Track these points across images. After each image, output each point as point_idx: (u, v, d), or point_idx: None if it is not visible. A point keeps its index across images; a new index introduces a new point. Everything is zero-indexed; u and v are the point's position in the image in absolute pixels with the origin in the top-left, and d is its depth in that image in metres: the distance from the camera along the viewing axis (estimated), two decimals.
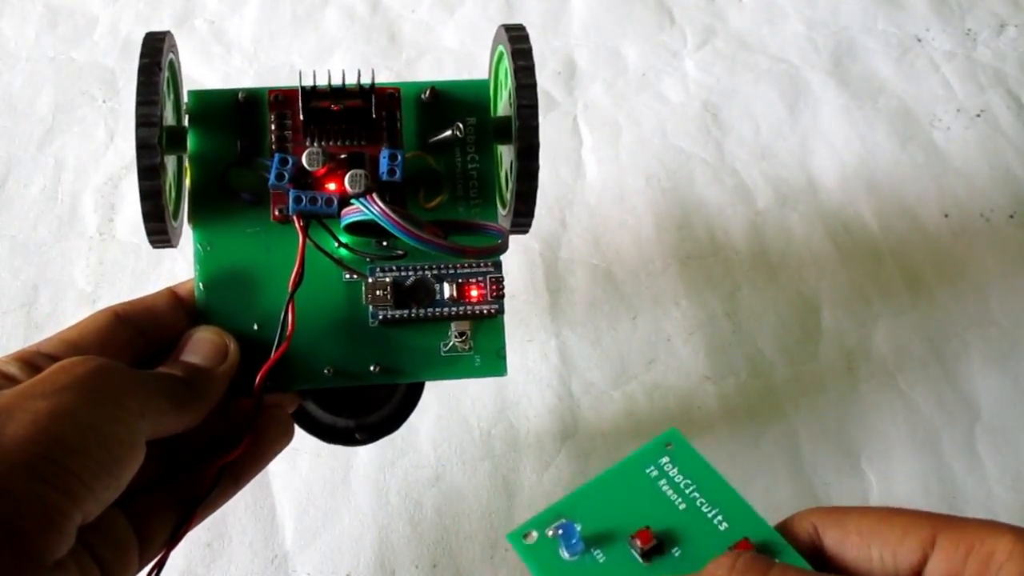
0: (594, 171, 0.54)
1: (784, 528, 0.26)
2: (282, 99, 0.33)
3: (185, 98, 0.33)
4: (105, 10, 0.61)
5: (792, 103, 0.58)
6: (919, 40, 0.61)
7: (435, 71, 0.59)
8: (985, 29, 0.62)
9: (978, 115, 0.57)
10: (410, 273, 0.31)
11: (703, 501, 0.27)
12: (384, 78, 0.58)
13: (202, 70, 0.59)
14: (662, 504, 0.27)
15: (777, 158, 0.55)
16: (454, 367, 0.33)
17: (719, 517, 0.26)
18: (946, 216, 0.53)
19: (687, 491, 0.27)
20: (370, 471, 0.43)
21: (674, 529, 0.26)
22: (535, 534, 0.26)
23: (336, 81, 0.32)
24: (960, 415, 0.46)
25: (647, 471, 0.28)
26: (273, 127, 0.33)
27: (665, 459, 0.28)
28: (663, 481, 0.27)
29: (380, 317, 0.31)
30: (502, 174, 0.36)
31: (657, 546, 0.26)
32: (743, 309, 0.49)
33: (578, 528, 0.26)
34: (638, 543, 0.26)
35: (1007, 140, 0.56)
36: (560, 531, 0.26)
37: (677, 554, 0.26)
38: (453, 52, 0.60)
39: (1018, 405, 0.46)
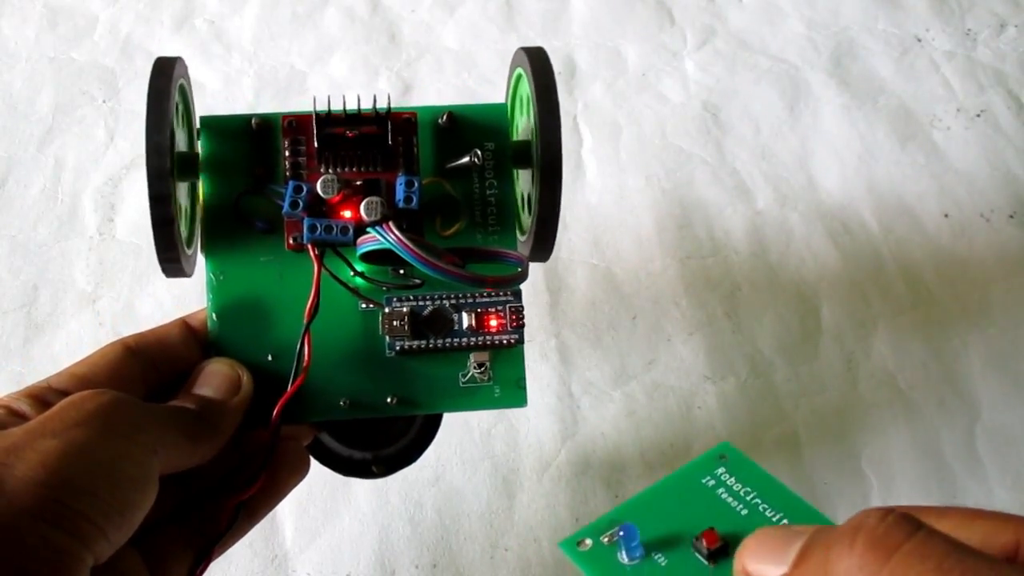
0: (594, 171, 0.54)
1: None
2: (296, 125, 0.32)
3: (197, 124, 0.33)
4: (105, 10, 0.61)
5: (792, 103, 0.58)
6: (919, 40, 0.61)
7: (435, 71, 0.59)
8: (985, 29, 0.62)
9: (978, 115, 0.57)
10: (427, 303, 0.31)
11: (766, 506, 0.26)
12: (384, 78, 0.58)
13: (202, 70, 0.59)
14: (722, 510, 0.26)
15: (777, 158, 0.55)
16: (473, 398, 0.32)
17: (785, 521, 0.26)
18: (946, 216, 0.53)
19: (747, 498, 0.26)
20: None
21: (738, 532, 0.25)
22: (589, 541, 0.26)
23: (351, 106, 0.31)
24: (960, 415, 0.45)
25: (703, 481, 0.27)
26: (287, 153, 0.32)
27: (721, 470, 0.27)
28: (721, 489, 0.27)
29: (397, 348, 0.31)
30: (520, 199, 0.35)
31: (723, 547, 0.25)
32: (743, 309, 0.49)
33: (638, 531, 0.25)
34: (704, 544, 0.25)
35: (1007, 140, 0.56)
36: (621, 533, 0.25)
37: None
38: (453, 52, 0.60)
39: (1018, 405, 0.46)
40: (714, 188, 0.54)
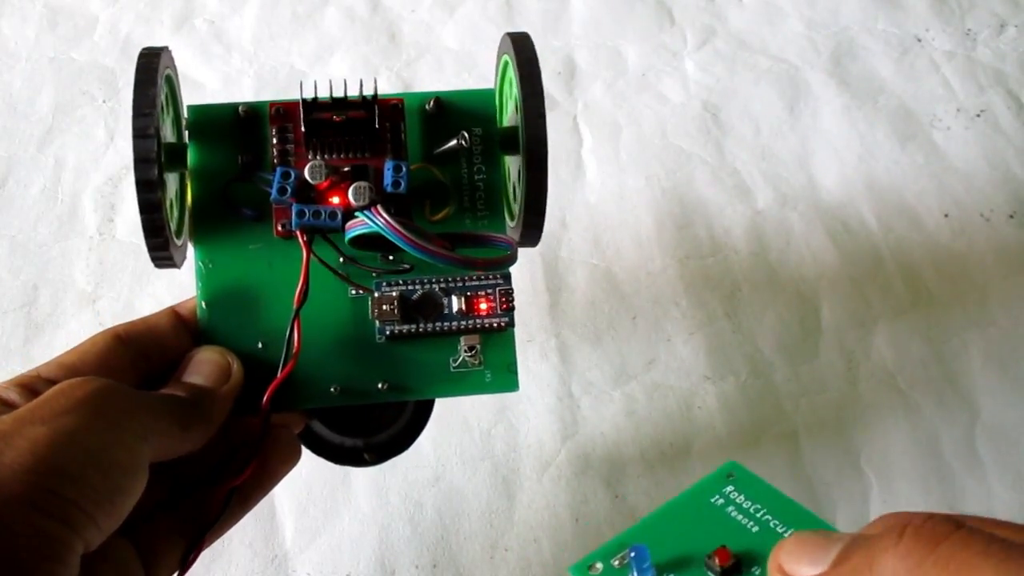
0: (594, 171, 0.54)
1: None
2: (283, 112, 0.32)
3: (185, 113, 0.33)
4: (105, 10, 0.61)
5: (792, 103, 0.58)
6: (919, 40, 0.61)
7: (435, 71, 0.59)
8: (985, 29, 0.62)
9: (978, 115, 0.57)
10: (417, 287, 0.31)
11: (777, 522, 0.26)
12: (384, 78, 0.58)
13: (202, 70, 0.59)
14: (733, 528, 0.26)
15: (777, 158, 0.55)
16: (464, 383, 0.32)
17: None
18: (946, 216, 0.53)
19: (758, 515, 0.26)
20: (370, 471, 0.43)
21: (751, 551, 0.25)
22: (600, 565, 0.25)
23: (338, 92, 0.31)
24: (960, 415, 0.45)
25: (712, 500, 0.27)
26: (275, 140, 0.32)
27: (729, 488, 0.27)
28: (731, 508, 0.26)
29: (387, 333, 0.31)
30: (509, 185, 0.35)
31: (735, 565, 0.25)
32: (743, 309, 0.49)
33: (650, 552, 0.25)
34: (716, 562, 0.24)
35: (1007, 140, 0.56)
36: (632, 555, 0.25)
37: (758, 573, 0.25)
38: (453, 52, 0.60)
39: (1018, 405, 0.46)
40: (714, 188, 0.54)
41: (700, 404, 0.46)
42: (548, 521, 0.42)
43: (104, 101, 0.57)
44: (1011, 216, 0.53)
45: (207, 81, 0.58)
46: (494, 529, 0.42)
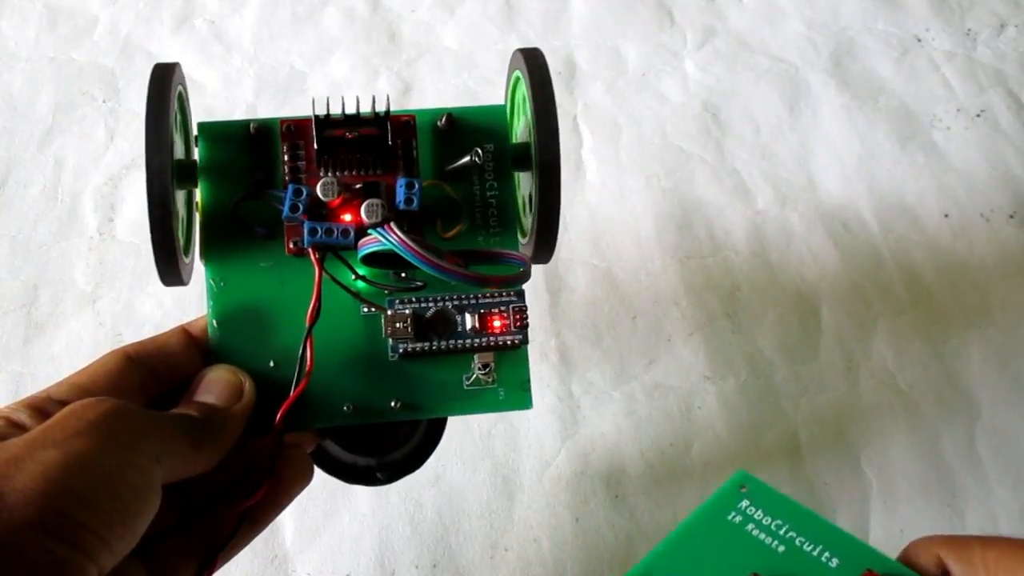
0: (594, 171, 0.54)
1: (908, 559, 0.24)
2: (294, 129, 0.32)
3: (194, 131, 0.33)
4: (105, 10, 0.61)
5: (792, 103, 0.58)
6: (919, 40, 0.61)
7: (435, 71, 0.59)
8: (985, 29, 0.62)
9: (978, 115, 0.57)
10: (430, 304, 0.30)
11: (802, 539, 0.25)
12: (384, 78, 0.58)
13: (202, 70, 0.59)
14: (757, 549, 0.25)
15: (777, 158, 0.55)
16: (477, 401, 0.32)
17: (826, 553, 0.24)
18: (946, 216, 0.53)
19: (780, 531, 0.25)
20: None
21: (781, 574, 0.24)
22: None
23: (350, 109, 0.31)
24: (960, 415, 0.46)
25: (729, 518, 0.26)
26: (286, 158, 0.32)
27: (744, 502, 0.26)
28: (750, 525, 0.25)
29: (400, 351, 0.31)
30: (520, 200, 0.35)
31: None
32: (743, 309, 0.49)
33: None
34: None
35: (1007, 140, 0.56)
36: None
37: None
38: (453, 52, 0.60)
39: (1018, 405, 0.46)
40: (714, 188, 0.54)
41: (700, 404, 0.46)
42: (548, 521, 0.42)
43: (104, 101, 0.57)
44: (1011, 216, 0.53)
45: (207, 81, 0.58)
46: (494, 529, 0.42)
